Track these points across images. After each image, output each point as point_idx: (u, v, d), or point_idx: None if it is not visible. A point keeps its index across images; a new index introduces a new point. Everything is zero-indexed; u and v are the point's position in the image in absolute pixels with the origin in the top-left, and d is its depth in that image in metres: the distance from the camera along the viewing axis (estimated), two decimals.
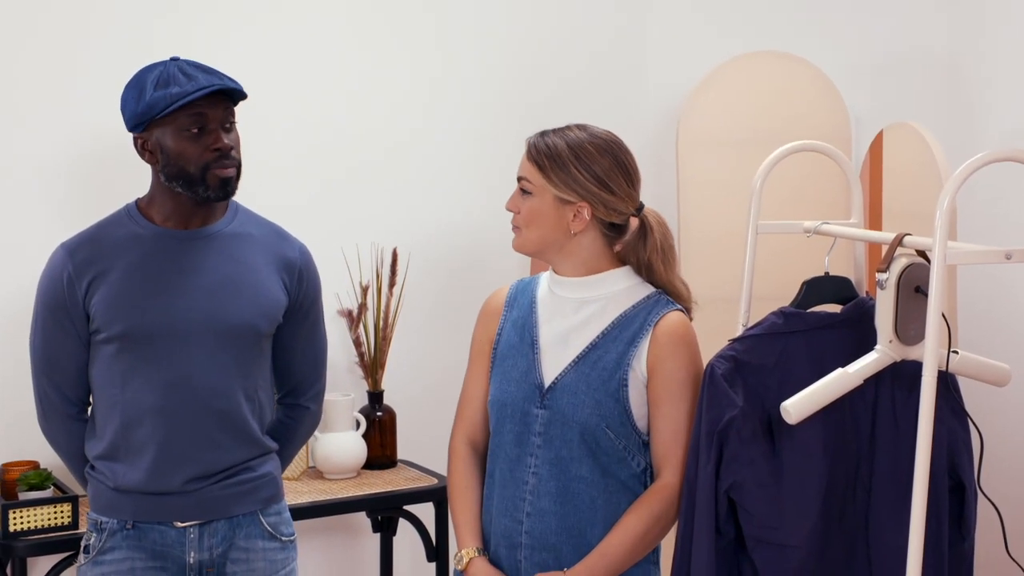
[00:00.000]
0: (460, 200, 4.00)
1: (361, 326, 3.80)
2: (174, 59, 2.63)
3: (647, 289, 2.56)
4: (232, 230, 2.70)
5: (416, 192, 4.00)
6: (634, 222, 2.56)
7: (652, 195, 4.24)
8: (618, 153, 2.52)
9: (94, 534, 2.68)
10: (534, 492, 2.49)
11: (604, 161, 2.50)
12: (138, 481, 2.63)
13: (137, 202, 2.72)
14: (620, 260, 2.57)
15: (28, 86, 3.49)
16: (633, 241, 2.56)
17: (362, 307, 3.80)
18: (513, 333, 2.58)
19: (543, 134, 2.54)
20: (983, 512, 2.56)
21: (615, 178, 2.51)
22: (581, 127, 2.54)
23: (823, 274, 2.62)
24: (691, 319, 2.56)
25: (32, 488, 3.24)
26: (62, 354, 2.67)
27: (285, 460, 2.86)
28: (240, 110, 3.65)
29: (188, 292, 2.61)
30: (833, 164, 3.11)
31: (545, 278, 2.63)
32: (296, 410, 2.86)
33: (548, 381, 2.51)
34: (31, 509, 3.16)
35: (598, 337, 2.52)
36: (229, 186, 2.63)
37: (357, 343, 3.79)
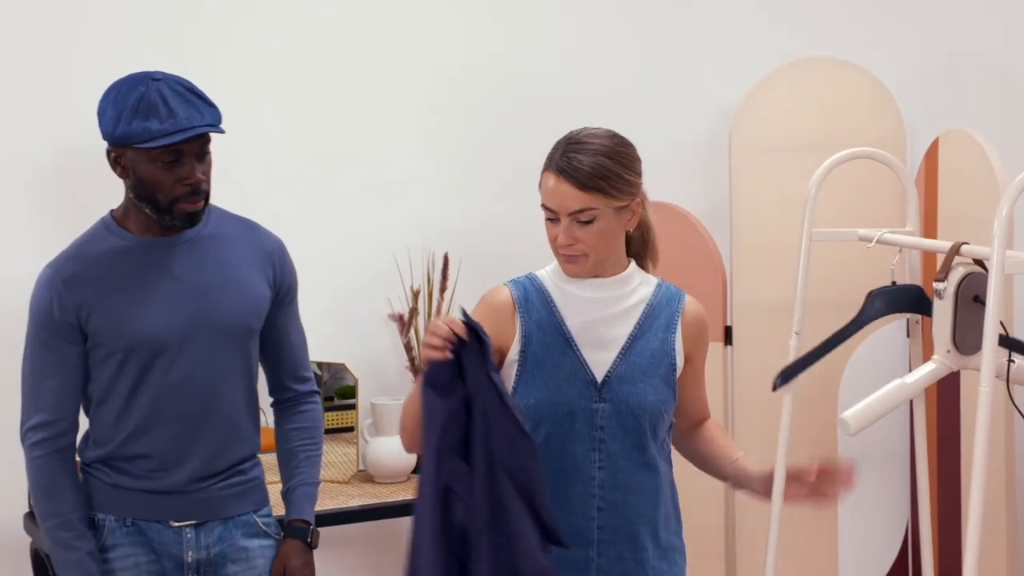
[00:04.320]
0: (510, 204, 3.99)
1: (412, 331, 3.81)
2: (155, 78, 2.56)
3: (650, 276, 2.60)
4: (210, 232, 2.69)
5: (467, 196, 4.00)
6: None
7: (704, 203, 4.25)
8: (626, 139, 2.54)
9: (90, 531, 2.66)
10: (603, 486, 2.51)
11: (631, 151, 2.52)
12: (140, 483, 2.65)
13: (112, 214, 2.70)
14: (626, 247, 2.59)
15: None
16: (638, 229, 2.59)
17: (413, 311, 3.80)
18: (543, 335, 2.54)
19: (567, 157, 2.48)
20: None
21: (640, 162, 2.53)
22: (591, 134, 2.51)
23: (890, 284, 2.58)
24: None
25: None
26: (55, 378, 2.63)
27: (318, 465, 2.84)
28: (300, 109, 3.66)
29: (182, 298, 2.63)
30: (887, 171, 3.09)
31: (546, 275, 2.60)
32: (310, 396, 2.85)
33: (600, 376, 2.52)
34: None
35: (635, 328, 2.55)
36: (196, 218, 2.62)
37: (408, 347, 3.79)
